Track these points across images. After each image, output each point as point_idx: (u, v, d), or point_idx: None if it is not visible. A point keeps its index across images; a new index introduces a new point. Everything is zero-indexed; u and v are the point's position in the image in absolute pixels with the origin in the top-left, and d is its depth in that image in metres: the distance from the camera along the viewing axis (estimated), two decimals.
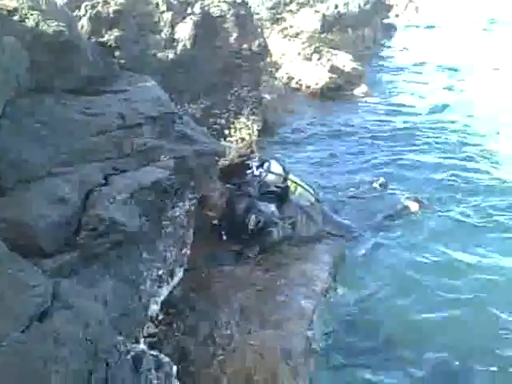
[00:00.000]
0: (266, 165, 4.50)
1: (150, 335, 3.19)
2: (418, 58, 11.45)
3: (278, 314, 3.65)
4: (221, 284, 3.90)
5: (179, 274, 3.27)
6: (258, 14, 11.77)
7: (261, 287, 3.91)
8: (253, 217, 4.00)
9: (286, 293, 3.88)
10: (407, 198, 5.10)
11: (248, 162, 4.62)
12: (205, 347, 3.18)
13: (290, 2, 12.45)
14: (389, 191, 5.38)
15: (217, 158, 3.09)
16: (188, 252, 3.38)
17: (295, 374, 3.24)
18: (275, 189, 4.38)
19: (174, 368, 2.75)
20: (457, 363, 3.40)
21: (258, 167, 4.49)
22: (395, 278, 4.17)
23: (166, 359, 2.75)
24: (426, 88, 9.32)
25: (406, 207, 4.97)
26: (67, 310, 1.46)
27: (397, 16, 16.88)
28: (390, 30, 14.63)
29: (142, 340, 2.62)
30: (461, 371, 3.37)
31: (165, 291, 3.08)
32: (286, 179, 4.49)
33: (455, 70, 10.25)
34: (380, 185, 5.38)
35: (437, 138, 6.86)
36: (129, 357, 2.29)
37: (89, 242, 1.96)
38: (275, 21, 12.08)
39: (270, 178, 4.44)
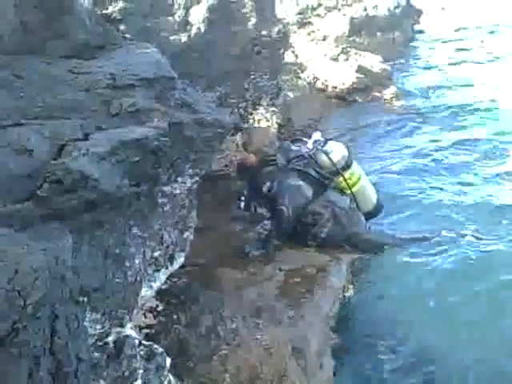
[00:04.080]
0: (326, 147, 4.12)
1: (148, 326, 2.92)
2: (451, 59, 11.01)
3: (291, 311, 3.34)
4: (231, 278, 3.61)
5: (180, 259, 2.96)
6: (284, 18, 11.58)
7: (274, 283, 3.61)
8: (268, 183, 3.83)
9: (301, 290, 3.56)
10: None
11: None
12: (206, 341, 2.88)
13: (318, 7, 12.21)
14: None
15: (221, 130, 2.77)
16: (191, 237, 3.08)
17: (307, 375, 2.90)
18: (314, 174, 3.99)
19: (168, 360, 2.46)
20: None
21: (315, 142, 4.14)
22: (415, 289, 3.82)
23: (160, 350, 2.47)
24: (459, 92, 8.83)
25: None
26: None
27: (428, 23, 16.41)
28: (421, 34, 14.22)
29: (130, 326, 2.31)
30: None
31: (162, 276, 2.78)
32: (338, 173, 4.07)
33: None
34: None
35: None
36: (110, 339, 2.02)
37: (52, 197, 1.67)
38: (302, 25, 11.86)
39: (323, 160, 4.06)
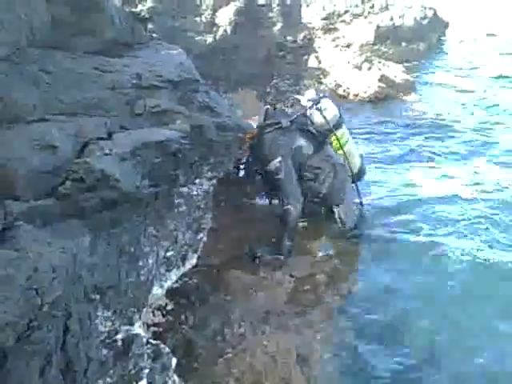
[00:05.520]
0: (320, 104, 4.07)
1: (155, 324, 2.93)
2: (474, 74, 10.91)
3: (299, 318, 3.34)
4: (241, 281, 3.60)
5: (192, 260, 2.98)
6: (310, 23, 11.58)
7: (284, 289, 3.60)
8: (276, 162, 3.64)
9: (309, 298, 3.55)
10: None
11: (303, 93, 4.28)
12: (213, 343, 2.88)
13: (344, 13, 12.17)
14: None
15: (241, 135, 2.78)
16: (205, 239, 3.09)
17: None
18: (314, 131, 3.96)
19: (174, 360, 2.48)
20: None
21: (309, 100, 4.10)
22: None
23: (166, 350, 2.49)
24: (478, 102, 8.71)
25: None
26: (14, 252, 1.18)
27: (454, 35, 16.28)
28: (446, 45, 14.11)
29: (138, 324, 2.33)
30: None
31: (173, 276, 2.80)
32: (331, 131, 4.06)
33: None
34: None
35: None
36: (119, 337, 2.04)
37: (74, 194, 1.69)
38: (327, 30, 11.84)
39: (317, 118, 4.02)
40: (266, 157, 3.69)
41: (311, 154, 3.92)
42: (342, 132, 4.17)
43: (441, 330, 3.42)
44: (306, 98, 4.13)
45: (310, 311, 3.41)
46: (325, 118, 4.01)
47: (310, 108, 4.04)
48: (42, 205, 1.57)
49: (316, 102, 4.09)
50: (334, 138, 4.09)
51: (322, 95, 4.27)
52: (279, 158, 3.66)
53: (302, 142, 3.89)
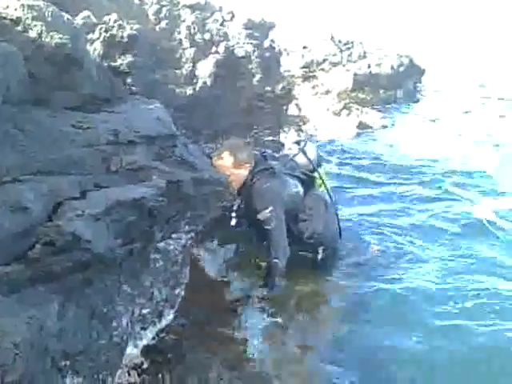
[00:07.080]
0: (301, 144, 4.18)
1: None
2: (451, 120, 11.22)
3: (284, 370, 3.25)
4: (221, 332, 3.52)
5: (169, 316, 2.92)
6: (289, 71, 11.88)
7: (270, 337, 3.52)
8: (267, 212, 3.54)
9: (296, 344, 3.48)
10: None
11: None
12: None
13: (323, 62, 12.54)
14: None
15: (219, 188, 2.79)
16: (182, 293, 3.04)
17: None
18: (300, 175, 4.00)
19: None
20: None
21: (294, 143, 4.22)
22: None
23: None
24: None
25: None
26: None
27: (430, 81, 16.83)
28: (422, 91, 14.57)
29: None
30: None
31: (149, 334, 2.73)
32: (315, 170, 4.14)
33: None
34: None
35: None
36: None
37: (43, 258, 1.66)
38: (307, 78, 12.14)
39: (301, 160, 4.10)
40: (256, 205, 3.62)
41: (302, 195, 3.96)
42: (323, 170, 4.28)
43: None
44: (289, 141, 4.23)
45: (294, 361, 3.33)
46: (309, 159, 4.10)
47: (297, 151, 4.14)
48: (9, 271, 1.54)
49: (297, 142, 4.25)
50: (317, 175, 4.18)
51: (304, 138, 4.43)
52: (270, 208, 3.58)
53: (297, 186, 3.92)
